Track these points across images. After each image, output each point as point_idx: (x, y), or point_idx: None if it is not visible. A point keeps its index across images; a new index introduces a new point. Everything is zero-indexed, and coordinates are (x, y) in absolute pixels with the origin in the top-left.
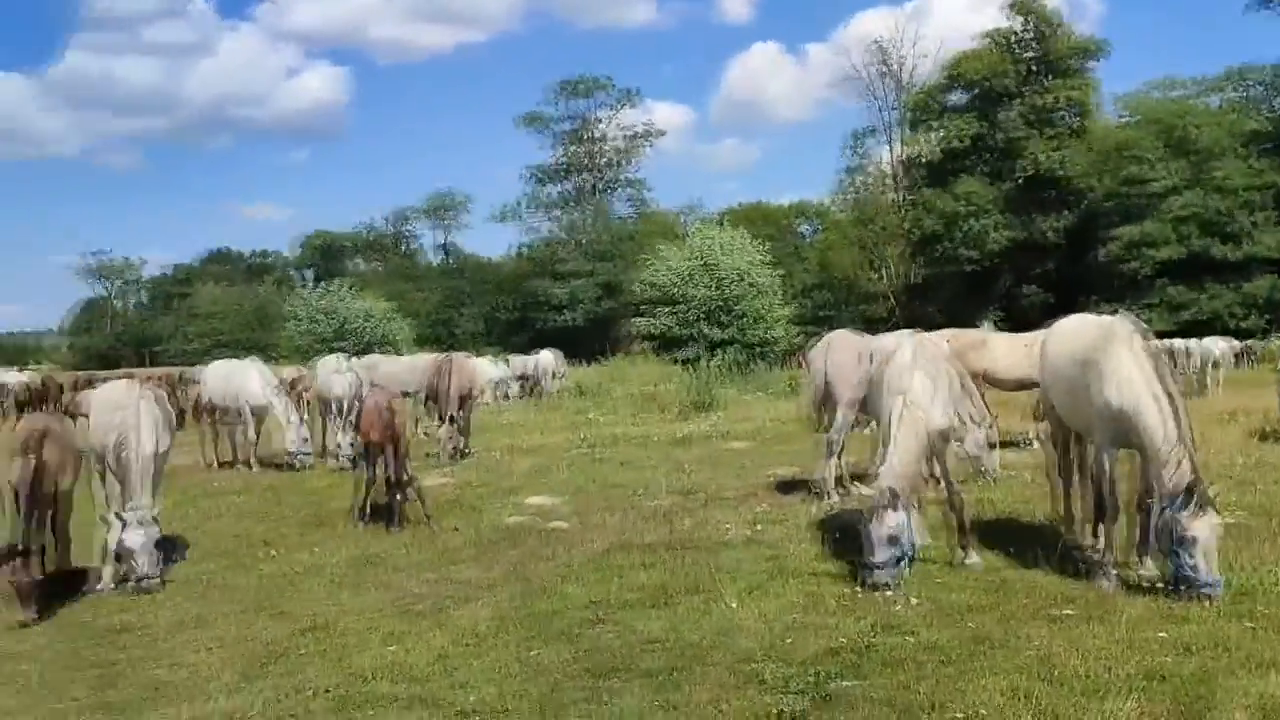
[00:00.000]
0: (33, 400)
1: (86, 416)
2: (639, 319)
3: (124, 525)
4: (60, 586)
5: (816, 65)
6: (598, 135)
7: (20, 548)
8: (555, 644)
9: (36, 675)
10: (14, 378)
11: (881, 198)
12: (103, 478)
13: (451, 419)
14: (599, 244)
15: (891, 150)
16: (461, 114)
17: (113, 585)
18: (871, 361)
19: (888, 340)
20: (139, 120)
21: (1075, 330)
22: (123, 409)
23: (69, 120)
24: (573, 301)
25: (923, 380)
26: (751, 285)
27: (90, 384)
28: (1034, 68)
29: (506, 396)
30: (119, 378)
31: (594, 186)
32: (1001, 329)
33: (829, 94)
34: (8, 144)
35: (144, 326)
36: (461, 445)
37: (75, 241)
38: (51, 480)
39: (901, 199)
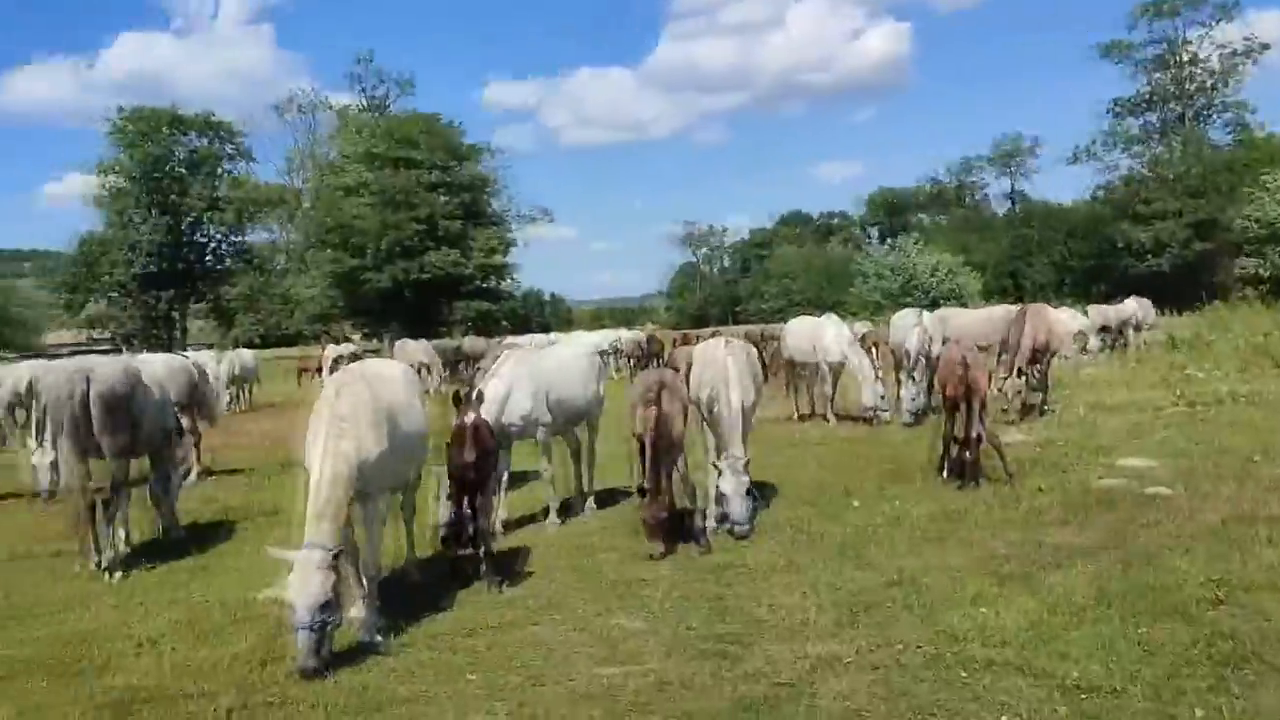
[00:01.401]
0: (642, 356)
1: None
2: (1244, 260)
3: (719, 474)
4: (677, 524)
5: None
6: (1186, 58)
7: (649, 487)
8: (1168, 622)
9: (658, 603)
10: (627, 336)
11: None
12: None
13: (1020, 371)
14: (1189, 179)
15: None
16: (1028, 54)
17: (714, 525)
18: None
19: None
20: (722, 97)
21: None
22: (714, 366)
23: (663, 104)
24: (1158, 245)
25: None
26: None
27: (686, 341)
28: None
29: (1085, 350)
30: (709, 336)
31: (1183, 115)
32: None
33: None
34: (614, 130)
35: (728, 288)
36: (1040, 401)
37: (673, 212)
38: (672, 427)
39: None
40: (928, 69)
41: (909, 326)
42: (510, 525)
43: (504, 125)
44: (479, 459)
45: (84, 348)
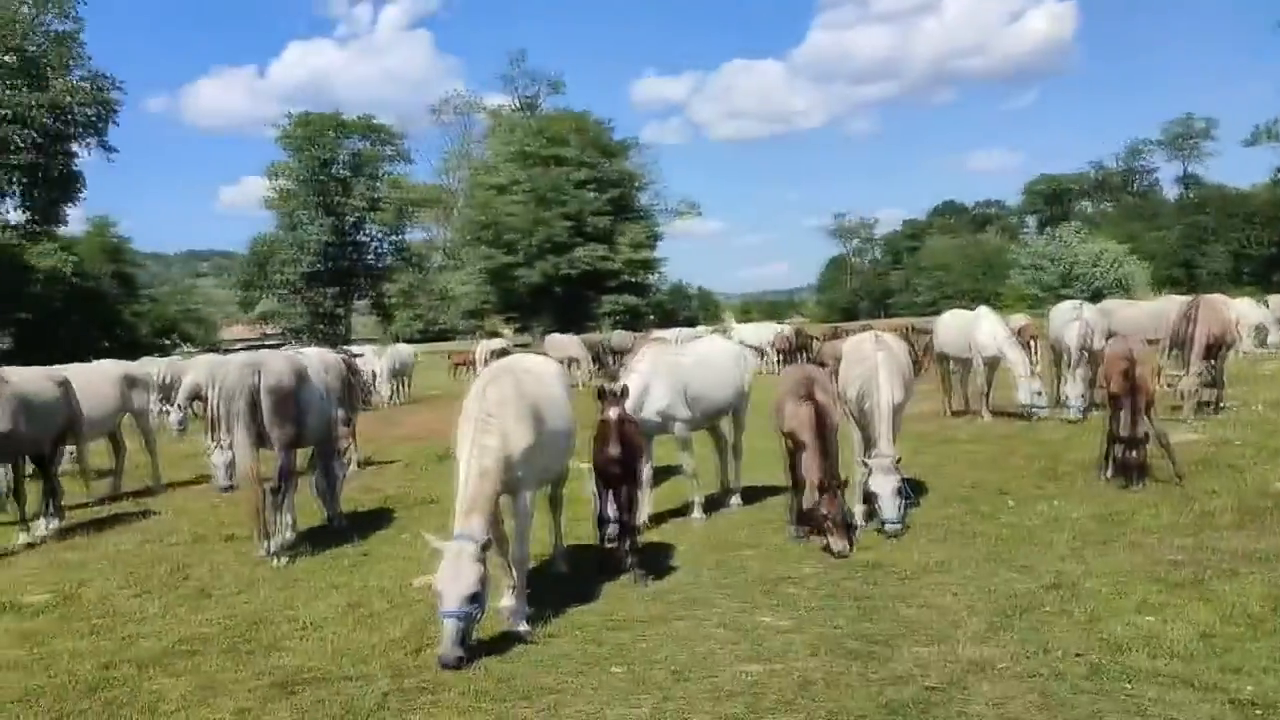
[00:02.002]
0: (789, 350)
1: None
2: None
3: (869, 472)
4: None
5: None
6: None
7: (815, 482)
8: None
9: (803, 601)
10: (774, 330)
11: None
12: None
13: (1193, 367)
14: None
15: None
16: (1201, 30)
17: (862, 524)
18: None
19: None
20: (873, 87)
21: None
22: (865, 362)
23: (813, 95)
24: None
25: None
26: None
27: (835, 335)
28: None
29: (1264, 343)
30: (859, 329)
31: None
32: None
33: None
34: (764, 122)
35: (879, 280)
36: (1215, 398)
37: (823, 204)
38: (831, 420)
39: None
40: (1092, 50)
41: (1068, 320)
42: (656, 520)
43: (653, 120)
44: (624, 454)
45: (256, 343)
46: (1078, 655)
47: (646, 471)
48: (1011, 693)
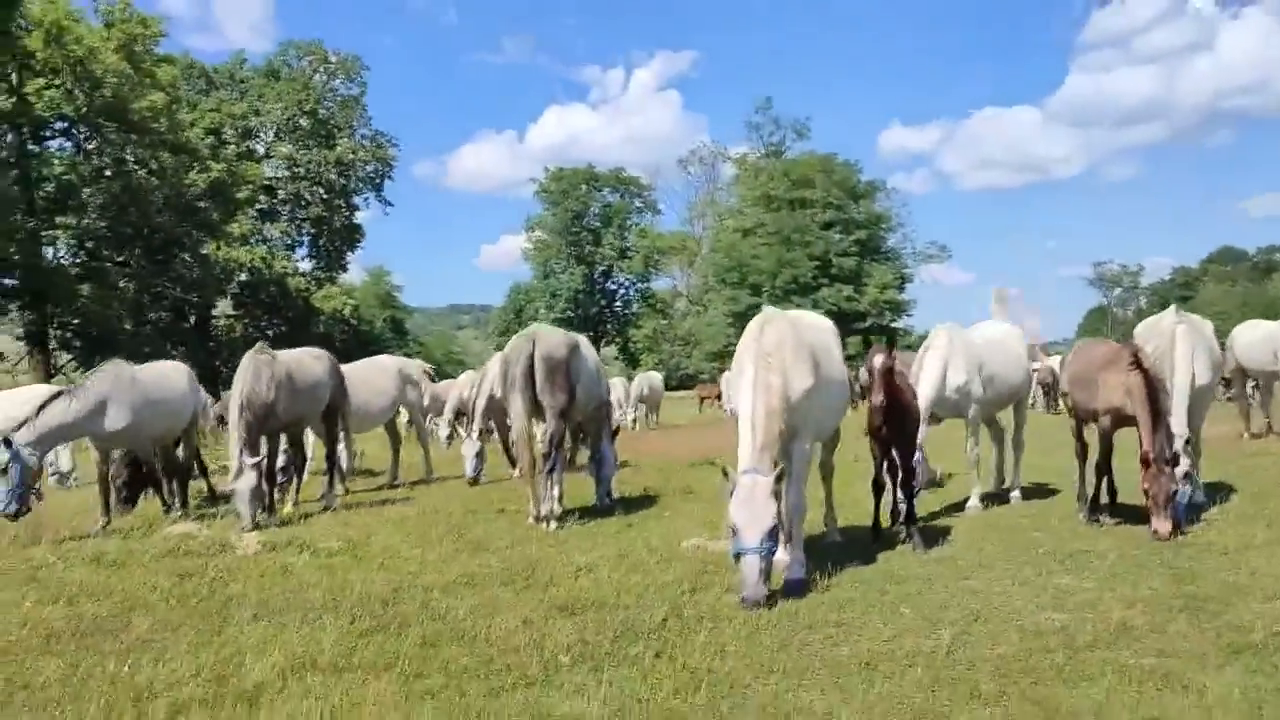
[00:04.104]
0: (1053, 384)
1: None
2: None
3: None
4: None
5: None
6: None
7: (1154, 457)
8: None
9: (1107, 568)
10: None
11: None
12: None
13: None
14: None
15: None
16: None
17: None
18: None
19: None
20: (1136, 130)
21: None
22: (1162, 336)
23: (1070, 141)
24: None
25: None
26: None
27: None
28: None
29: None
30: None
31: None
32: None
33: None
34: (1016, 171)
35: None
36: None
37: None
38: (1160, 390)
39: None
40: None
41: None
42: (928, 516)
43: (900, 172)
44: (892, 407)
45: None
46: None
47: (922, 432)
48: None
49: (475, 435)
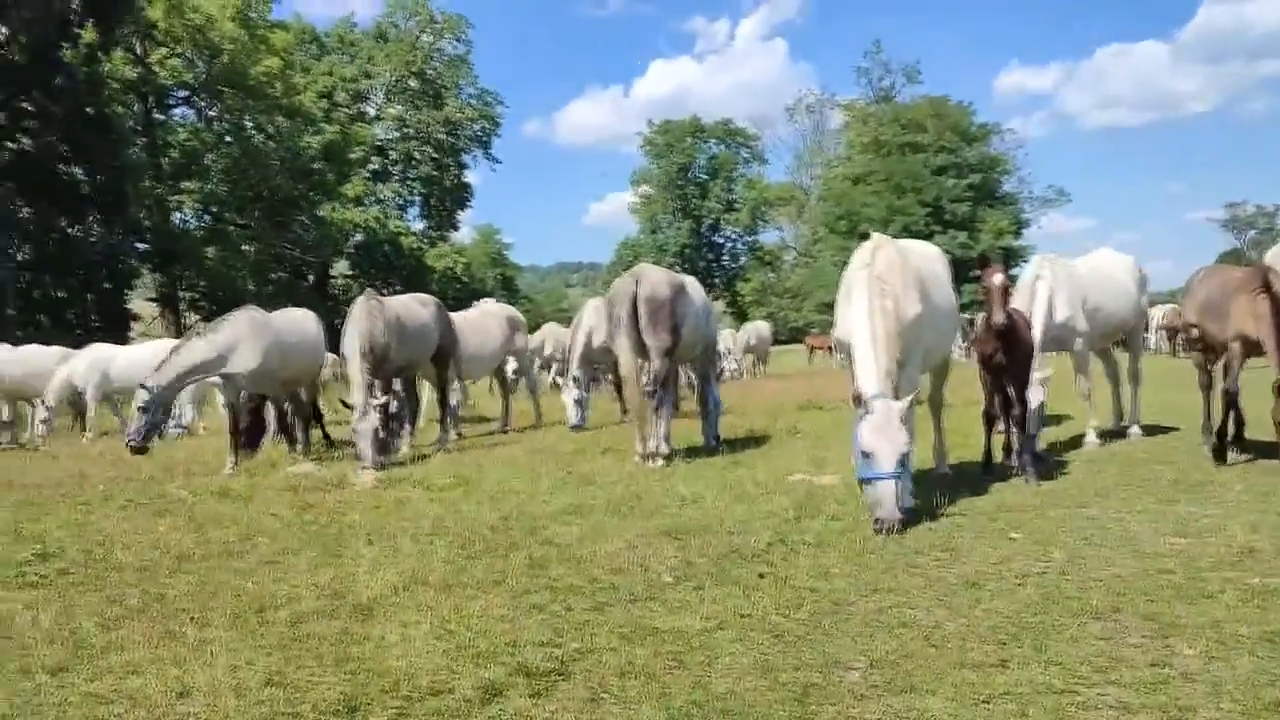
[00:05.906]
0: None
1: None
2: None
3: None
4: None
5: None
6: None
7: None
8: None
9: (1234, 495)
10: (1161, 308)
11: None
12: None
13: None
14: None
15: None
16: None
17: None
18: None
19: None
20: (1272, 63)
21: None
22: None
23: (1202, 76)
24: None
25: None
26: None
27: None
28: None
29: None
30: None
31: None
32: None
33: None
34: (1142, 110)
35: None
36: None
37: (1212, 196)
38: None
39: None
40: None
41: None
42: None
43: (1017, 115)
44: (1008, 330)
45: None
46: None
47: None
48: None
49: (573, 383)
